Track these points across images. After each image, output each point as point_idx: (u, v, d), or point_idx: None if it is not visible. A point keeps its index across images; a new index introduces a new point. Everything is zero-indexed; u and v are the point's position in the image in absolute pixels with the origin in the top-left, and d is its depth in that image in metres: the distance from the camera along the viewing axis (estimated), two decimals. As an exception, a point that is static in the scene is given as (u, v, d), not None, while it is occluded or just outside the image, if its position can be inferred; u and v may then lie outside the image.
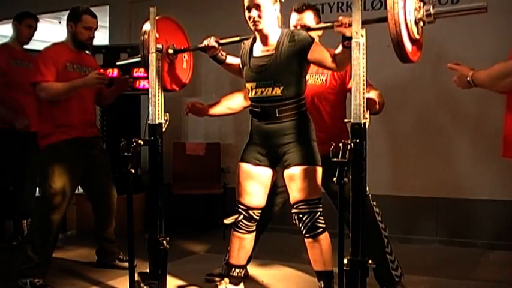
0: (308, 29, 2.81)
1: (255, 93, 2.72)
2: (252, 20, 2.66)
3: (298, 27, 3.02)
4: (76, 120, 3.37)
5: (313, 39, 2.66)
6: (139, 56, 2.98)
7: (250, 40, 2.82)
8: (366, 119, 2.28)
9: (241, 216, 2.79)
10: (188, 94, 5.22)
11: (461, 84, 2.34)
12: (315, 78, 3.05)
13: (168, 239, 2.87)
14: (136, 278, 2.82)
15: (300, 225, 2.64)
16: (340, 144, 2.22)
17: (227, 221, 2.80)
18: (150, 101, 2.88)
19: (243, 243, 2.84)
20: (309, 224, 2.61)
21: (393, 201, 4.30)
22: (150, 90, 2.88)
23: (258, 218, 2.81)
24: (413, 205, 4.41)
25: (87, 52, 3.72)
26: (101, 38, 6.96)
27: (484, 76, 2.28)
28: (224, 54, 2.91)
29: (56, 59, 3.33)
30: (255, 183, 2.78)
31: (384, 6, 4.41)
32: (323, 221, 2.64)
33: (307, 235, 2.64)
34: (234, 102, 3.13)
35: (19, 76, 4.14)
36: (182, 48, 3.11)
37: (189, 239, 4.47)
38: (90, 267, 3.64)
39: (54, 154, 3.30)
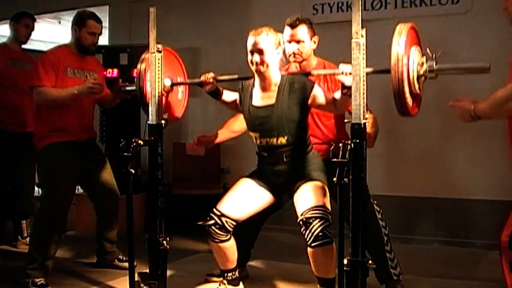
0: (308, 74, 2.80)
1: (260, 142, 2.76)
2: (254, 64, 2.67)
3: (293, 44, 3.00)
4: (72, 126, 3.36)
5: (313, 86, 2.67)
6: (135, 85, 2.98)
7: (250, 83, 2.82)
8: (366, 119, 2.28)
9: (212, 222, 2.75)
10: (188, 94, 5.22)
11: (464, 119, 2.30)
12: None
13: (168, 239, 2.87)
14: (136, 278, 2.82)
15: (309, 232, 2.54)
16: (340, 145, 2.23)
17: (199, 223, 2.80)
18: (150, 101, 2.88)
19: (222, 252, 2.82)
20: (318, 230, 2.52)
21: (393, 201, 4.30)
22: (150, 90, 2.88)
23: (230, 229, 2.76)
24: (413, 205, 4.41)
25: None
26: (101, 38, 6.98)
27: (486, 106, 2.24)
28: (221, 89, 2.91)
29: (56, 64, 3.31)
30: (247, 197, 2.79)
31: (385, 7, 4.44)
32: (330, 234, 2.56)
33: (315, 244, 2.53)
34: (237, 126, 3.16)
35: (16, 76, 4.14)
36: (179, 79, 3.11)
37: (189, 239, 4.47)
38: (90, 267, 3.64)
39: (52, 154, 3.31)
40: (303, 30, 3.02)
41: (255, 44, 2.66)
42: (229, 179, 4.76)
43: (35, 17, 4.36)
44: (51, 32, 7.90)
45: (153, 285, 2.81)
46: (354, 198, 2.26)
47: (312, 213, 2.57)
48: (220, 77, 2.88)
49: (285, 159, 2.72)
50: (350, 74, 2.34)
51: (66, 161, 3.31)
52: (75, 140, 3.36)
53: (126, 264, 2.95)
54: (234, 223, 2.76)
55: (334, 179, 2.21)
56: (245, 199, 2.81)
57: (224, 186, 4.74)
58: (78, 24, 3.42)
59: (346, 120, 2.39)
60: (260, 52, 2.65)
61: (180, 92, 3.20)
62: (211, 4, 5.13)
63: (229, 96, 2.92)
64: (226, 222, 2.74)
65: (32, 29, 4.29)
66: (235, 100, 2.89)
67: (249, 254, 3.35)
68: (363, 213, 2.27)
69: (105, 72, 3.59)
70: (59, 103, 3.29)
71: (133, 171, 2.75)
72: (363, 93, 2.27)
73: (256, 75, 2.75)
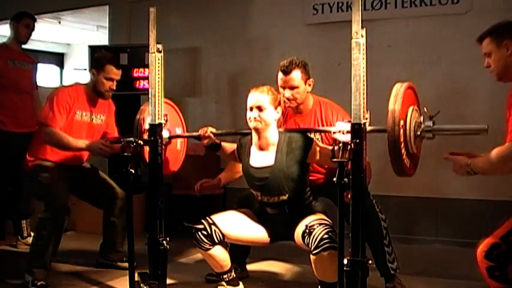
0: (306, 130, 2.81)
1: (261, 199, 2.79)
2: (252, 119, 2.68)
3: (287, 91, 2.99)
4: (69, 160, 3.41)
5: (311, 144, 2.68)
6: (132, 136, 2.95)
7: (248, 140, 2.82)
8: (366, 119, 2.28)
9: (201, 227, 2.75)
10: (188, 94, 5.24)
11: (461, 174, 2.27)
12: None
13: (168, 239, 2.87)
14: (136, 278, 2.82)
15: (312, 237, 2.55)
16: (341, 145, 2.23)
17: (187, 224, 2.80)
18: (150, 101, 2.88)
19: (210, 257, 2.83)
20: (323, 233, 2.52)
21: (393, 201, 4.30)
22: (150, 90, 2.88)
23: (216, 241, 2.75)
24: (413, 205, 4.41)
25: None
26: (101, 38, 6.98)
27: (484, 164, 2.19)
28: (219, 142, 2.92)
29: (70, 105, 3.32)
30: (243, 223, 2.81)
31: (385, 7, 4.44)
32: (336, 240, 2.53)
33: (318, 249, 2.52)
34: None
35: (16, 76, 4.14)
36: (177, 130, 3.11)
37: (189, 239, 4.46)
38: (90, 267, 3.64)
39: (42, 169, 3.33)
40: (296, 76, 3.00)
41: (255, 101, 2.67)
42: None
43: (35, 17, 4.37)
44: (51, 32, 7.90)
45: (153, 285, 2.81)
46: (354, 198, 2.26)
47: (315, 222, 2.60)
48: (218, 131, 2.90)
49: (286, 211, 2.76)
50: (347, 132, 2.31)
51: (57, 172, 3.33)
52: (67, 165, 3.40)
53: (126, 264, 2.95)
54: (222, 237, 2.76)
55: (334, 179, 2.21)
56: (240, 224, 2.83)
57: (224, 187, 4.73)
58: (97, 67, 3.39)
59: (346, 120, 2.38)
60: (259, 109, 2.66)
61: (179, 143, 3.19)
62: (211, 4, 5.13)
63: (227, 148, 2.94)
64: (215, 232, 2.74)
65: (32, 29, 4.29)
66: (234, 152, 2.91)
67: (247, 253, 3.34)
68: (363, 213, 2.27)
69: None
70: (64, 149, 3.32)
71: (133, 171, 2.76)
72: (363, 93, 2.27)
73: (253, 133, 2.75)
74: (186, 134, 3.18)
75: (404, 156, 2.24)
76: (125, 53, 4.96)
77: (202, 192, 3.23)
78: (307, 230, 2.58)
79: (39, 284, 3.10)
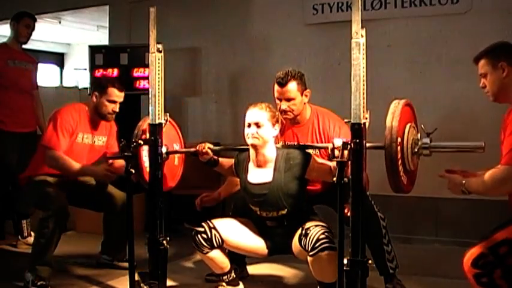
0: (304, 146, 2.81)
1: (261, 213, 2.79)
2: (250, 135, 2.68)
3: (284, 103, 2.96)
4: (67, 176, 3.39)
5: (309, 160, 2.68)
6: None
7: (246, 157, 2.82)
8: (366, 119, 2.28)
9: (201, 229, 2.75)
10: (188, 94, 5.24)
11: (455, 192, 2.27)
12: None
13: (168, 239, 2.87)
14: (136, 278, 2.82)
15: (308, 239, 2.56)
16: (340, 145, 2.24)
17: (188, 225, 2.81)
18: (150, 101, 2.88)
19: (210, 259, 2.83)
20: (319, 234, 2.54)
21: (393, 201, 4.29)
22: (150, 90, 2.88)
23: (215, 245, 2.77)
24: (413, 205, 4.41)
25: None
26: (101, 38, 6.99)
27: (478, 186, 2.19)
28: (216, 158, 2.92)
29: (73, 128, 3.32)
30: (241, 231, 2.81)
31: (384, 7, 4.44)
32: (333, 240, 2.55)
33: (315, 251, 2.53)
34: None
35: (17, 76, 4.14)
36: (175, 146, 3.09)
37: (189, 239, 4.46)
38: (90, 267, 3.63)
39: (38, 180, 3.33)
40: (292, 88, 2.97)
41: (253, 117, 2.68)
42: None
43: (35, 17, 4.37)
44: (51, 32, 7.90)
45: (153, 285, 2.81)
46: (354, 198, 2.26)
47: (310, 224, 2.62)
48: (216, 147, 2.91)
49: (285, 223, 2.76)
50: (343, 148, 2.31)
51: (52, 180, 3.32)
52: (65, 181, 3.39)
53: (126, 264, 2.96)
54: (221, 242, 2.76)
55: (334, 178, 2.21)
56: (240, 232, 2.83)
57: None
58: (99, 90, 3.39)
59: (345, 120, 2.38)
60: (257, 126, 2.66)
61: (176, 158, 3.19)
62: (211, 4, 5.13)
63: (225, 164, 2.94)
64: (215, 236, 2.75)
65: (33, 29, 4.30)
66: (231, 167, 2.91)
67: (243, 257, 3.34)
68: (363, 213, 2.28)
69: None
70: (67, 174, 3.32)
71: (133, 171, 2.76)
72: (363, 93, 2.27)
73: (251, 149, 2.75)
74: (184, 149, 3.18)
75: (401, 173, 2.26)
76: (125, 53, 4.97)
77: (203, 206, 3.22)
78: (303, 232, 2.59)
79: (39, 284, 3.10)
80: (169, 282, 2.98)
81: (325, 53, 4.55)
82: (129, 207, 2.84)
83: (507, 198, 2.33)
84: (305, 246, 2.57)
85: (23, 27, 4.23)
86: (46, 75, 9.44)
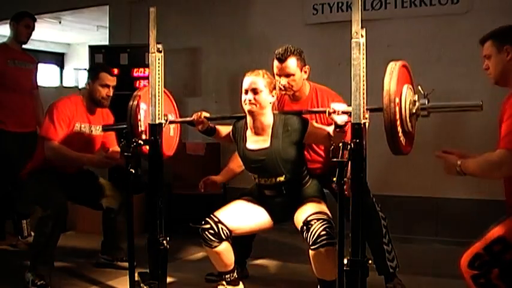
0: (300, 112, 2.79)
1: (259, 181, 2.80)
2: (247, 101, 2.68)
3: (283, 78, 2.96)
4: (67, 168, 3.41)
5: (307, 125, 2.68)
6: (126, 123, 2.96)
7: (243, 124, 2.82)
8: (366, 119, 2.28)
9: (207, 226, 2.75)
10: (188, 94, 5.24)
11: (450, 173, 2.26)
12: None
13: (168, 239, 2.87)
14: (136, 278, 2.82)
15: (310, 234, 2.56)
16: (341, 145, 2.24)
17: (193, 225, 2.81)
18: (150, 101, 2.88)
19: (217, 255, 2.82)
20: (320, 230, 2.54)
21: (393, 201, 4.30)
22: (150, 90, 2.88)
23: (224, 237, 2.76)
24: (413, 205, 4.41)
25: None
26: (101, 38, 6.99)
27: (475, 167, 2.18)
28: (213, 126, 2.90)
29: (69, 118, 3.35)
30: (246, 213, 2.82)
31: (385, 7, 4.44)
32: (334, 235, 2.55)
33: (316, 245, 2.54)
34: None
35: (17, 76, 4.14)
36: (170, 117, 3.02)
37: (189, 239, 4.46)
38: (90, 267, 3.63)
39: (38, 175, 3.34)
40: (292, 64, 2.98)
41: (250, 83, 2.68)
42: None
43: (35, 17, 4.37)
44: (51, 32, 7.91)
45: (153, 285, 2.81)
46: (354, 198, 2.26)
47: (313, 217, 2.60)
48: (212, 116, 2.89)
49: (284, 192, 2.77)
50: (342, 112, 2.35)
51: (52, 176, 3.33)
52: (64, 172, 3.40)
53: (126, 264, 2.96)
54: (229, 232, 2.76)
55: (334, 178, 2.21)
56: (244, 214, 2.83)
57: (224, 186, 4.74)
58: (91, 77, 3.42)
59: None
60: (255, 92, 2.67)
61: (172, 129, 3.17)
62: (211, 4, 5.13)
63: (222, 132, 2.93)
64: (222, 229, 2.74)
65: (32, 29, 4.30)
66: (229, 134, 2.90)
67: (248, 253, 3.34)
68: (363, 212, 2.28)
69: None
70: (67, 163, 3.34)
71: (133, 171, 2.76)
72: (363, 93, 2.27)
73: (248, 116, 2.75)
74: (181, 119, 3.16)
75: (400, 134, 2.25)
76: (125, 53, 4.96)
77: (207, 190, 3.19)
78: (305, 227, 2.59)
79: (39, 283, 3.10)
80: (169, 282, 2.98)
81: (325, 53, 4.55)
82: (129, 207, 2.84)
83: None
84: (307, 239, 2.58)
85: (23, 27, 4.23)
86: (46, 75, 9.44)
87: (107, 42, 5.77)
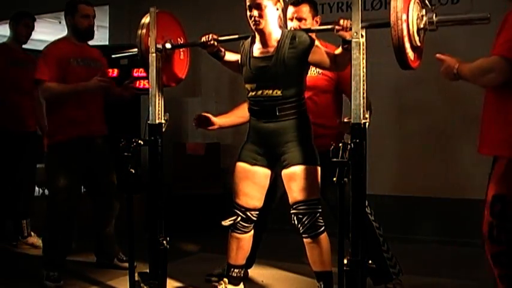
0: (308, 30, 2.80)
1: (255, 93, 2.72)
2: (252, 19, 2.65)
3: (295, 21, 2.99)
4: (82, 116, 3.37)
5: (314, 41, 2.66)
6: (136, 50, 2.99)
7: (249, 40, 2.81)
8: (366, 119, 2.28)
9: (239, 218, 2.78)
10: (188, 94, 5.24)
11: (447, 76, 2.31)
12: (311, 71, 2.98)
13: (168, 239, 2.87)
14: (136, 278, 2.82)
15: (299, 225, 2.63)
16: (340, 145, 2.23)
17: (225, 222, 2.79)
18: (150, 101, 2.88)
19: (241, 243, 2.83)
20: (308, 225, 2.61)
21: (393, 201, 4.30)
22: (150, 90, 2.88)
23: (255, 219, 2.80)
24: (413, 205, 4.42)
25: (91, 44, 3.69)
26: (101, 38, 6.98)
27: (467, 71, 2.25)
28: (223, 50, 2.88)
29: (58, 57, 3.35)
30: (251, 184, 2.78)
31: (384, 7, 4.44)
32: (322, 221, 2.64)
33: (305, 235, 2.64)
34: (245, 111, 3.02)
35: (17, 76, 4.14)
36: (179, 40, 3.08)
37: (189, 239, 4.47)
38: (90, 267, 3.64)
39: (59, 154, 3.35)
40: (305, 9, 3.02)
41: None
42: (229, 179, 4.75)
43: (35, 17, 4.37)
44: (51, 32, 7.90)
45: (153, 285, 2.81)
46: (354, 198, 2.26)
47: (302, 209, 2.62)
48: (221, 37, 2.85)
49: (277, 113, 2.67)
50: (350, 29, 2.32)
51: (72, 160, 3.34)
52: (83, 136, 3.37)
53: (126, 264, 2.96)
54: (257, 212, 2.80)
55: (334, 179, 2.21)
56: (253, 185, 2.79)
57: (224, 186, 4.74)
58: (70, 12, 3.46)
59: (346, 120, 2.38)
60: (258, 7, 2.63)
61: (182, 53, 3.19)
62: (211, 4, 5.13)
63: (231, 56, 2.90)
64: (252, 214, 2.78)
65: (32, 29, 4.30)
66: (237, 60, 2.86)
67: (254, 256, 3.33)
68: (363, 213, 2.27)
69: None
70: (65, 99, 3.33)
71: (133, 171, 2.76)
72: (363, 93, 2.27)
73: (256, 33, 2.72)
74: (189, 43, 3.16)
75: (408, 50, 2.24)
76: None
77: (200, 126, 3.13)
78: (294, 217, 2.63)
79: (52, 276, 3.21)
80: (169, 282, 2.98)
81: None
82: (129, 207, 2.84)
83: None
84: (298, 227, 2.65)
85: (23, 27, 4.24)
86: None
87: (107, 42, 5.76)
